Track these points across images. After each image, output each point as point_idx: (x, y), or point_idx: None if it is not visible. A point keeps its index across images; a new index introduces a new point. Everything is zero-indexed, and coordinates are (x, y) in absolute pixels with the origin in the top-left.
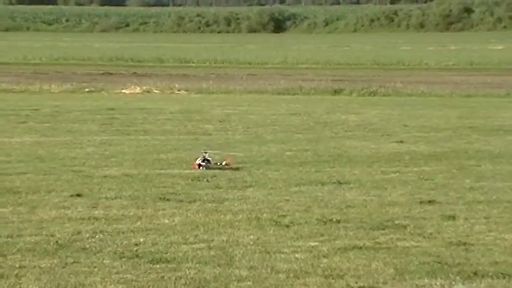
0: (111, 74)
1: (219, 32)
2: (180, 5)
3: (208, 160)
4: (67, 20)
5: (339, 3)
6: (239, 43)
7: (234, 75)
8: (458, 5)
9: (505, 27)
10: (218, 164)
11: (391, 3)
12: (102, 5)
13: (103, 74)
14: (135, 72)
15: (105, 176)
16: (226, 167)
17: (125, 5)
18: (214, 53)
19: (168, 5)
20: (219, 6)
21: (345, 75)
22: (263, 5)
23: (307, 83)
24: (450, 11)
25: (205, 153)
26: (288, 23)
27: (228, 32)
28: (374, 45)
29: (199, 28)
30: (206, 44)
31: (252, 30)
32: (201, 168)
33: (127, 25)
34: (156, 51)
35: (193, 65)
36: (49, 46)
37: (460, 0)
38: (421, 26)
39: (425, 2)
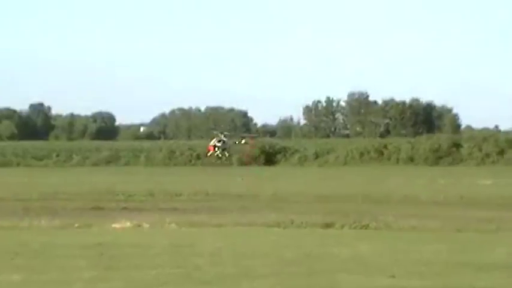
0: (101, 208)
1: (210, 165)
2: (171, 139)
3: (224, 141)
4: (58, 155)
5: (329, 137)
6: (230, 175)
7: (225, 208)
8: (447, 140)
9: (493, 162)
10: (237, 142)
11: (381, 136)
12: (94, 139)
13: (93, 208)
14: (125, 207)
15: None
16: (246, 145)
17: (116, 139)
18: (205, 185)
19: (159, 139)
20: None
21: (336, 208)
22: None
23: (298, 215)
24: (439, 145)
25: (221, 133)
26: (279, 156)
27: (219, 165)
28: (365, 179)
29: (191, 161)
30: (197, 176)
31: (243, 163)
32: (215, 149)
33: (118, 159)
34: (147, 185)
35: (184, 198)
36: (39, 181)
37: (449, 135)
38: (411, 159)
39: (415, 136)
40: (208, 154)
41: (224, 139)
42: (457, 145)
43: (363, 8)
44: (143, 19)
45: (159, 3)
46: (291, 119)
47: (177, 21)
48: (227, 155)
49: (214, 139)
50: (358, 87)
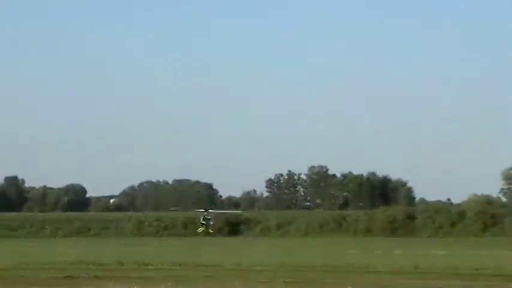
0: (72, 277)
1: (177, 236)
2: (140, 210)
3: (208, 218)
4: (31, 226)
5: (290, 208)
6: (196, 246)
7: (191, 277)
8: (402, 212)
9: (445, 233)
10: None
11: (339, 208)
12: (65, 210)
13: (65, 277)
14: (96, 276)
15: None
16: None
17: (87, 211)
18: (172, 255)
19: (128, 210)
20: (177, 211)
21: (297, 277)
22: (219, 209)
23: (261, 284)
24: (395, 217)
25: (206, 211)
26: (243, 226)
27: (185, 235)
28: (324, 249)
29: (158, 232)
30: (164, 247)
31: (208, 235)
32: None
33: (89, 229)
34: (116, 255)
35: (151, 267)
36: (13, 251)
37: (404, 207)
38: (368, 230)
39: (372, 208)
40: (200, 230)
41: (208, 217)
42: (412, 217)
43: (321, 85)
44: (111, 94)
45: (125, 78)
46: (254, 191)
47: (145, 97)
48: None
49: (202, 217)
50: (318, 161)
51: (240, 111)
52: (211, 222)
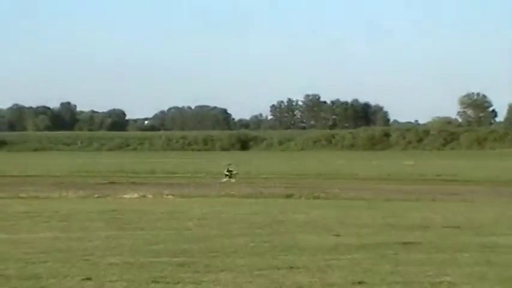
0: (114, 183)
1: (198, 150)
2: (168, 130)
3: (231, 170)
4: (81, 142)
5: (289, 128)
6: (214, 159)
7: (210, 183)
8: (379, 131)
9: (414, 147)
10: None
11: (329, 128)
12: (109, 130)
13: (108, 183)
14: (133, 182)
15: (109, 264)
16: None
17: (126, 130)
18: (195, 166)
19: (159, 130)
20: (199, 130)
21: (295, 183)
22: (232, 129)
23: (266, 189)
24: (373, 135)
25: (229, 165)
26: (251, 143)
27: (205, 150)
28: (317, 161)
29: (183, 147)
30: (188, 159)
31: (223, 149)
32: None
33: (128, 145)
34: (150, 165)
35: (178, 175)
36: (67, 162)
37: (381, 127)
38: (352, 146)
39: (355, 128)
40: (224, 180)
41: (231, 169)
42: (387, 135)
43: (317, 26)
44: (145, 35)
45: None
46: (261, 115)
47: (176, 37)
48: (233, 180)
49: (226, 169)
50: (312, 90)
51: (247, 51)
52: (235, 172)
